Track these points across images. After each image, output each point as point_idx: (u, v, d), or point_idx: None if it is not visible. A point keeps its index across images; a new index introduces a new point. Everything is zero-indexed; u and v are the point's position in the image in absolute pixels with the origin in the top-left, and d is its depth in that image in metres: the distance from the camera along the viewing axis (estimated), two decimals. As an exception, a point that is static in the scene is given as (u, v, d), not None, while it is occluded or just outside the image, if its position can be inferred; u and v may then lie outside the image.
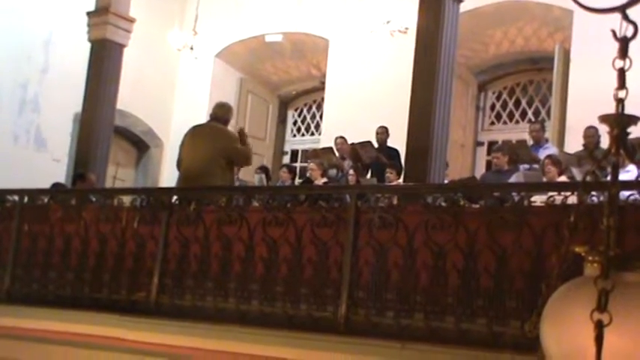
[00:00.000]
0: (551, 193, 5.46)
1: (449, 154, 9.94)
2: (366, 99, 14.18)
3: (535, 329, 2.19)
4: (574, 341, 2.00)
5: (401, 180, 10.80)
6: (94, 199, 8.40)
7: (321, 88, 16.09)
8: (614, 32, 2.17)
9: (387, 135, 12.71)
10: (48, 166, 13.94)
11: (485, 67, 14.93)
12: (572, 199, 5.15)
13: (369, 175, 12.21)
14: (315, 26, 15.44)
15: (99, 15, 11.87)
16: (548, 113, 13.46)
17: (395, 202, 6.28)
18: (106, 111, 11.70)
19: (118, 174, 15.02)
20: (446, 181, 9.79)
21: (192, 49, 15.16)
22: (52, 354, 7.64)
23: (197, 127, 9.42)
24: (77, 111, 12.65)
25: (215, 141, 8.93)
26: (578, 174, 9.06)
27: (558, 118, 12.41)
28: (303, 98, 17.49)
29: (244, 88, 16.88)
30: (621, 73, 2.15)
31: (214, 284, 6.82)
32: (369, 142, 12.54)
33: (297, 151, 17.14)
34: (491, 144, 14.03)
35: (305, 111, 17.38)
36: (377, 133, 12.77)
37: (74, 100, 12.50)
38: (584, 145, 10.43)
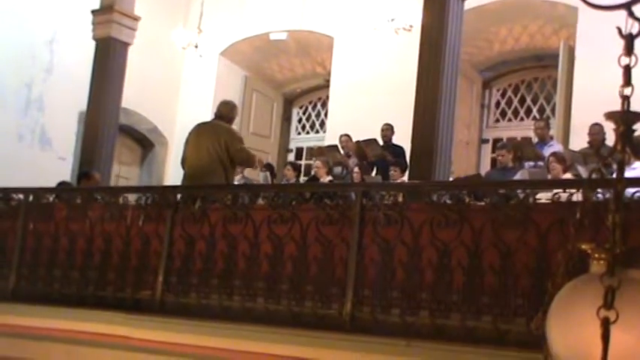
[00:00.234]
0: (556, 191, 5.45)
1: (453, 152, 9.93)
2: (371, 97, 14.18)
3: (541, 327, 2.19)
4: (580, 339, 2.00)
5: (406, 177, 10.80)
6: (99, 198, 8.40)
7: (325, 85, 16.09)
8: (619, 29, 2.17)
9: (392, 132, 12.70)
10: (53, 165, 13.96)
11: (490, 64, 14.92)
12: (578, 197, 5.14)
13: (374, 173, 12.22)
14: (320, 24, 15.44)
15: (103, 13, 11.87)
16: (553, 110, 13.46)
17: (400, 199, 6.27)
18: (110, 109, 11.70)
19: (122, 172, 15.06)
20: (451, 179, 9.77)
21: (196, 47, 15.16)
22: (57, 352, 7.65)
23: (201, 125, 9.43)
24: (82, 110, 12.66)
25: (219, 139, 8.94)
26: (583, 172, 9.04)
27: (563, 115, 12.39)
28: (307, 96, 17.50)
29: (249, 86, 16.89)
30: (627, 71, 2.14)
31: (219, 282, 6.82)
32: (374, 140, 12.54)
33: (302, 148, 17.14)
34: (496, 141, 14.01)
35: (310, 109, 17.38)
36: (382, 131, 12.77)
37: (79, 99, 12.51)
38: (589, 143, 10.42)
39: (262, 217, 6.59)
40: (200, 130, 9.27)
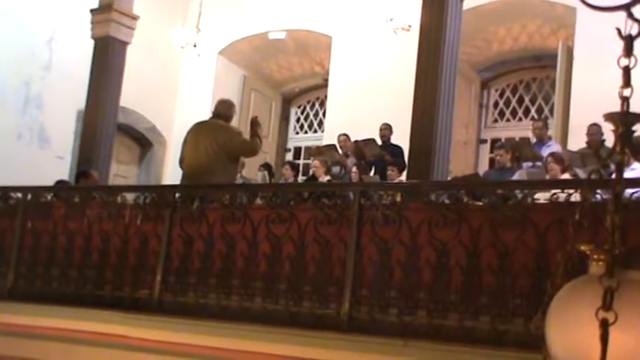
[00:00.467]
0: (554, 191, 5.45)
1: (452, 152, 9.93)
2: (370, 96, 14.18)
3: (540, 327, 2.19)
4: (579, 339, 2.00)
5: (404, 177, 10.80)
6: (97, 197, 8.39)
7: (324, 85, 16.08)
8: (619, 30, 2.17)
9: (391, 132, 12.70)
10: (51, 164, 13.95)
11: (488, 64, 14.93)
12: (576, 197, 5.14)
13: (372, 173, 12.21)
14: (319, 24, 15.44)
15: (102, 12, 11.88)
16: (551, 111, 13.46)
17: (398, 199, 6.27)
18: (109, 108, 11.70)
19: (120, 171, 15.05)
20: (449, 179, 9.77)
21: (195, 46, 15.16)
22: (54, 351, 7.64)
23: (199, 124, 9.42)
24: (80, 108, 12.65)
25: (217, 138, 8.93)
26: (581, 173, 9.05)
27: (561, 115, 12.40)
28: (306, 95, 17.50)
29: (247, 86, 16.89)
30: (626, 72, 2.14)
31: (217, 282, 6.82)
32: (373, 140, 12.54)
33: (300, 148, 17.14)
34: (494, 141, 14.00)
35: (308, 108, 17.38)
36: (380, 130, 12.77)
37: (77, 98, 12.51)
38: (587, 143, 10.43)
39: (260, 216, 6.59)
40: (198, 129, 9.26)
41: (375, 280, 6.00)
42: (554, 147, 10.77)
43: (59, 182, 10.83)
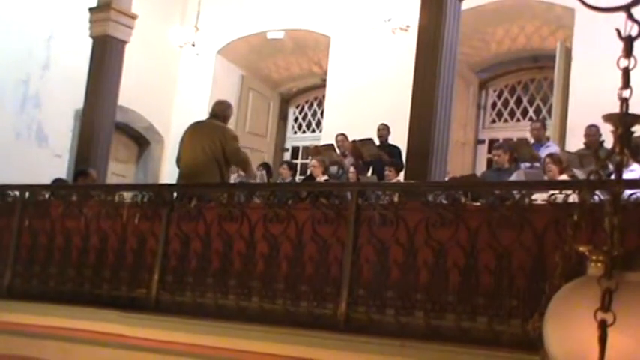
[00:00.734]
0: (552, 192, 5.45)
1: (449, 152, 9.93)
2: (368, 96, 14.17)
3: (538, 329, 2.19)
4: (577, 340, 2.00)
5: (401, 178, 10.80)
6: (94, 195, 8.38)
7: (322, 85, 16.08)
8: (618, 31, 2.17)
9: (389, 132, 12.71)
10: (49, 162, 13.94)
11: (486, 65, 14.93)
12: (573, 198, 5.15)
13: (369, 173, 12.21)
14: (317, 23, 15.43)
15: (100, 11, 11.86)
16: (549, 112, 13.45)
17: (396, 199, 6.27)
18: (107, 107, 11.69)
19: (117, 169, 15.04)
20: (446, 179, 9.77)
21: (193, 45, 15.18)
22: (52, 350, 7.64)
23: (196, 124, 9.42)
24: (78, 107, 12.65)
25: (213, 138, 8.93)
26: (580, 175, 9.05)
27: (559, 116, 12.40)
28: (304, 95, 17.49)
29: (245, 85, 16.88)
30: (625, 73, 2.14)
31: (215, 281, 6.83)
32: (371, 140, 12.54)
33: (298, 148, 17.12)
34: (492, 142, 14.01)
35: (306, 108, 17.37)
36: (378, 131, 12.77)
37: (75, 97, 12.49)
38: (585, 144, 10.43)
39: (258, 216, 6.60)
40: (195, 129, 9.26)
41: (373, 280, 6.01)
42: (552, 148, 10.77)
43: (57, 181, 10.84)
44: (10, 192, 8.63)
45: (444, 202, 5.88)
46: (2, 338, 7.97)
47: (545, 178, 9.15)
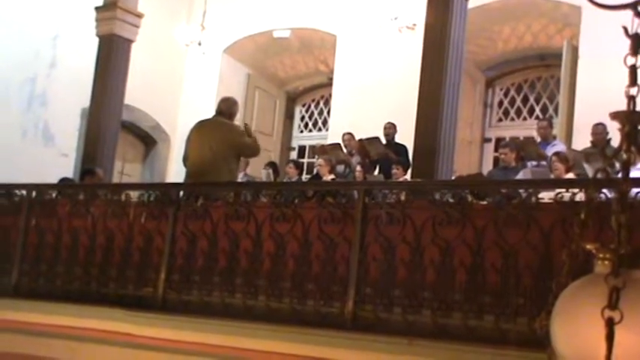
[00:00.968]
0: (558, 190, 5.44)
1: (456, 151, 9.92)
2: (374, 95, 14.16)
3: (545, 327, 2.19)
4: (585, 339, 2.00)
5: (408, 176, 10.79)
6: (101, 194, 8.39)
7: (328, 84, 16.07)
8: (625, 29, 2.16)
9: (395, 131, 12.69)
10: (56, 161, 13.95)
11: (493, 63, 14.90)
12: (580, 196, 5.14)
13: (376, 172, 12.21)
14: (323, 22, 15.42)
15: (107, 10, 11.89)
16: (556, 110, 13.43)
17: (402, 198, 6.27)
18: (113, 106, 11.71)
19: (125, 169, 15.06)
20: (453, 178, 9.76)
21: (199, 44, 15.19)
22: (58, 348, 7.65)
23: (202, 122, 9.42)
24: (85, 106, 12.66)
25: (220, 135, 8.93)
26: (589, 170, 9.03)
27: (566, 114, 12.37)
28: (310, 94, 17.48)
29: (252, 84, 16.87)
30: (633, 71, 2.14)
31: (221, 280, 6.82)
32: (377, 138, 12.53)
33: (305, 146, 17.12)
34: (498, 140, 13.98)
35: (312, 107, 17.36)
36: (385, 129, 12.76)
37: (82, 95, 12.51)
38: (592, 142, 10.41)
39: (265, 214, 6.60)
40: (201, 127, 9.26)
41: (380, 278, 6.00)
42: (559, 146, 10.75)
43: (63, 180, 10.84)
44: (16, 191, 8.65)
45: (451, 200, 5.87)
46: (9, 337, 7.99)
47: (552, 176, 9.14)
